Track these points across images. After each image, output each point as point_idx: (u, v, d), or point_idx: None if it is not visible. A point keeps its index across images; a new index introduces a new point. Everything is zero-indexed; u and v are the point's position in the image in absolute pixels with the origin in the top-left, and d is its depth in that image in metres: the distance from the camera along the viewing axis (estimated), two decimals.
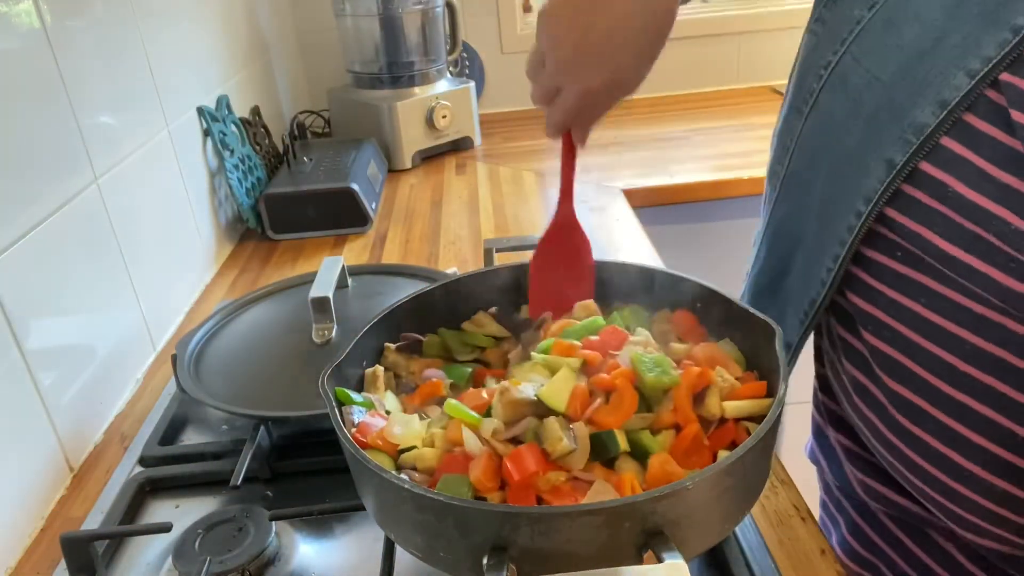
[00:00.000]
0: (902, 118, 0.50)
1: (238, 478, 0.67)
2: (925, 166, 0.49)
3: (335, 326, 0.82)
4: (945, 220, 0.49)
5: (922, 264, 0.51)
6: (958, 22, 0.48)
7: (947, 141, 0.48)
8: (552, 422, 0.52)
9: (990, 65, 0.45)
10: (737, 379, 0.57)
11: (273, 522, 0.64)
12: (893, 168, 0.50)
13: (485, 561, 0.45)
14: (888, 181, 0.50)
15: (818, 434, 0.74)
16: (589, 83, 0.62)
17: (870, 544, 0.70)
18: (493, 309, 0.71)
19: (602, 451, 0.52)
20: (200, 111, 1.22)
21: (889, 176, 0.50)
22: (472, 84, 1.71)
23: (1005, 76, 0.45)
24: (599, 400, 0.54)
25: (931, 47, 0.49)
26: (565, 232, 0.70)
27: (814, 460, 0.77)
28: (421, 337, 0.69)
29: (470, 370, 0.66)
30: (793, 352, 0.64)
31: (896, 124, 0.50)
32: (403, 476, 0.53)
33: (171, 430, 0.80)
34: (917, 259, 0.51)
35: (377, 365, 0.64)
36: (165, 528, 0.64)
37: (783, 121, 0.65)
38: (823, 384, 0.70)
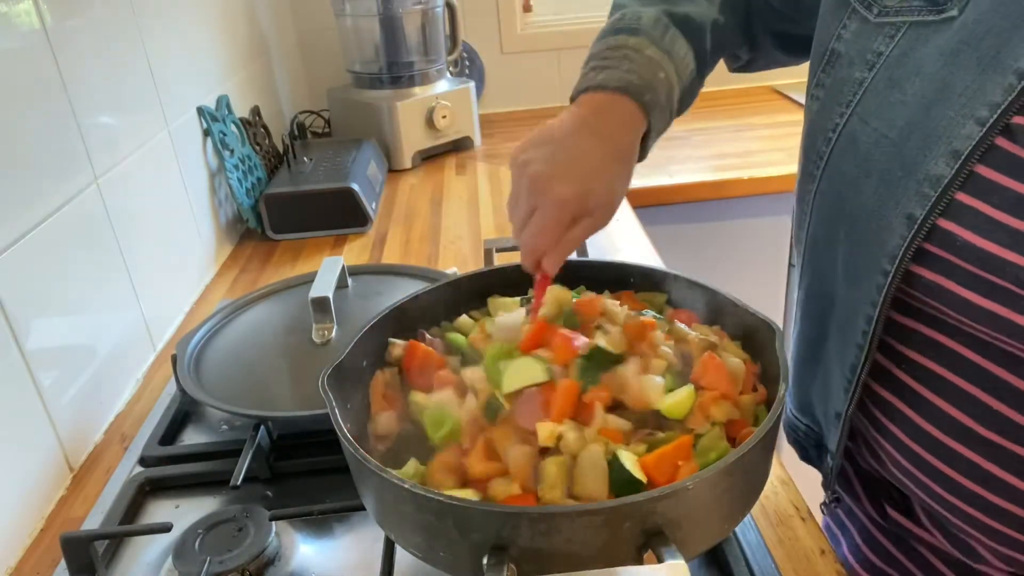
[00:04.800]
0: (915, 171, 0.50)
1: (238, 478, 0.68)
2: (939, 219, 0.49)
3: (335, 326, 0.82)
4: (961, 271, 0.48)
5: (946, 311, 0.51)
6: (959, 71, 0.47)
7: (958, 194, 0.48)
8: (551, 463, 0.50)
9: (999, 111, 0.45)
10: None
11: (273, 522, 0.64)
12: (914, 223, 0.50)
13: (485, 561, 0.45)
14: (911, 237, 0.50)
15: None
16: (562, 194, 0.60)
17: (886, 555, 0.69)
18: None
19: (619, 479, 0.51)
20: (200, 111, 1.22)
21: (911, 231, 0.50)
22: (472, 84, 1.71)
23: (1018, 120, 0.45)
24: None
25: (936, 98, 0.49)
26: None
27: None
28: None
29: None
30: (843, 421, 0.62)
31: (911, 178, 0.50)
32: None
33: (171, 430, 0.80)
34: (941, 308, 0.51)
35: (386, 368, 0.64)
36: (165, 528, 0.64)
37: (798, 187, 0.65)
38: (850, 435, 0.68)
